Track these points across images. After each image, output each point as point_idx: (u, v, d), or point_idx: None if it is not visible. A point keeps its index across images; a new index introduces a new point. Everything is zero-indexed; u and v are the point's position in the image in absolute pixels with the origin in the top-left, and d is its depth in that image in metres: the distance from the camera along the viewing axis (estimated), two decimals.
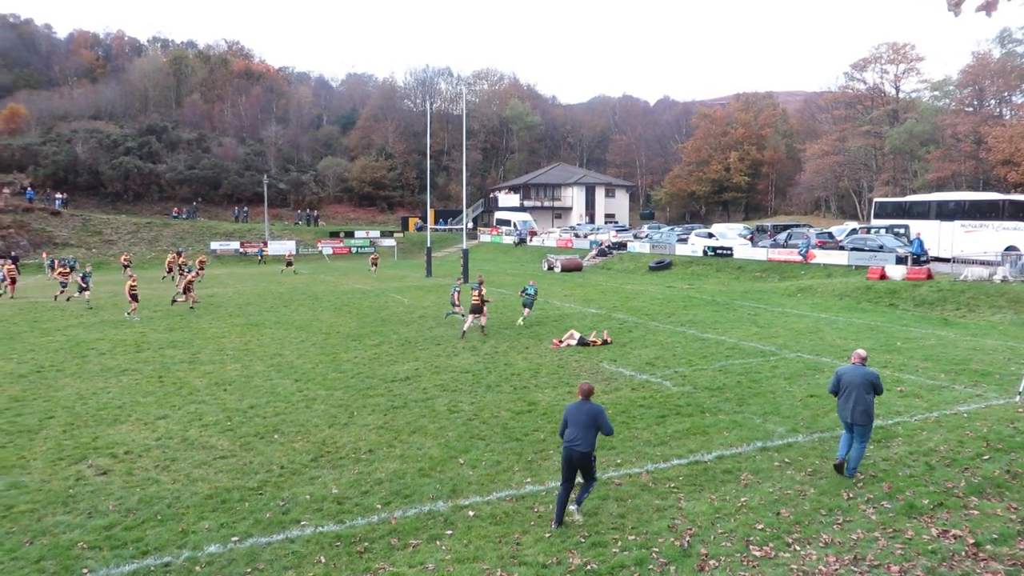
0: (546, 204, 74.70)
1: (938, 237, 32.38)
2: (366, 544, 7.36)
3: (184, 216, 66.13)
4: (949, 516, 7.87)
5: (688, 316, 23.36)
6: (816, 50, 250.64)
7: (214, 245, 57.76)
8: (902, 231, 34.11)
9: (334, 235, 64.99)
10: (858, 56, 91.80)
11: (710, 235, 43.19)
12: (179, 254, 42.79)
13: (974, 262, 27.52)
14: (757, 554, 7.03)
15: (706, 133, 78.30)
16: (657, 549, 7.14)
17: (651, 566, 6.82)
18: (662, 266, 40.41)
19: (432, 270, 42.01)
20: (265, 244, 57.90)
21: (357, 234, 66.16)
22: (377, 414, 12.17)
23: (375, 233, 66.93)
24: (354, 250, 62.88)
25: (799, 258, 35.01)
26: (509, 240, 61.42)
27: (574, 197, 74.25)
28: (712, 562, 6.88)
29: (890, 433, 10.77)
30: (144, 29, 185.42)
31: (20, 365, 16.37)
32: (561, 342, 18.51)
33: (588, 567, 6.82)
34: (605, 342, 18.46)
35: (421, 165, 77.97)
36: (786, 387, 13.81)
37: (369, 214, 79.73)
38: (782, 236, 40.13)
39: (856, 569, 6.74)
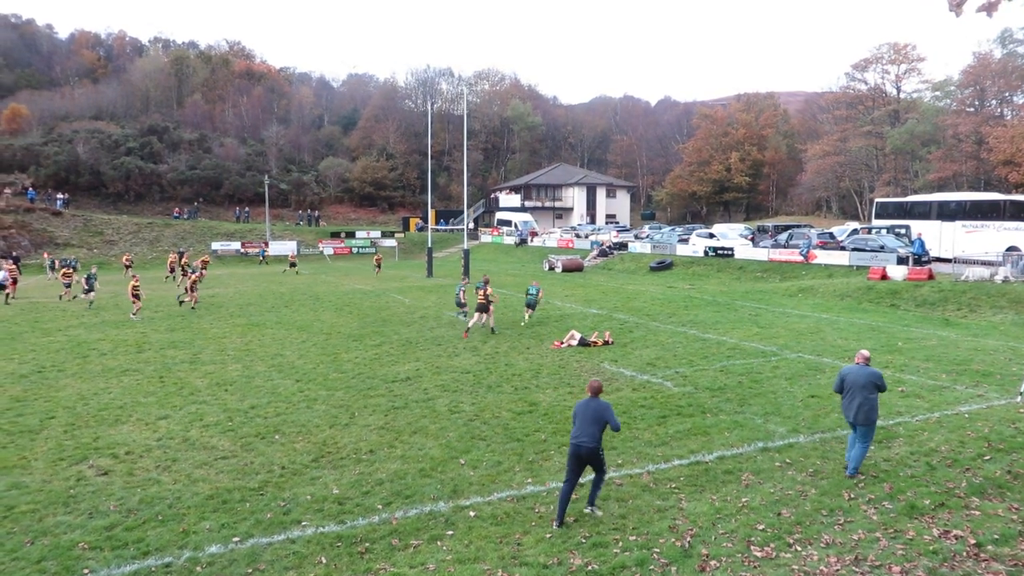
0: (547, 204, 74.69)
1: (939, 237, 32.35)
2: (367, 544, 7.36)
3: (185, 216, 66.18)
4: (950, 516, 7.86)
5: (689, 316, 23.35)
6: (817, 50, 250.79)
7: (215, 245, 57.80)
8: (903, 231, 34.06)
9: (335, 235, 65.02)
10: (859, 56, 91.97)
11: (711, 235, 43.17)
12: (181, 254, 42.81)
13: (975, 262, 27.50)
14: (758, 554, 7.03)
15: (707, 133, 78.29)
16: (658, 550, 7.14)
17: (652, 567, 6.82)
18: (663, 266, 40.40)
19: (433, 270, 42.01)
20: (266, 244, 57.92)
21: (358, 234, 66.17)
22: (378, 414, 12.17)
23: (376, 233, 66.94)
24: (355, 250, 62.91)
25: (800, 258, 34.99)
26: (510, 240, 61.41)
27: (575, 197, 74.24)
28: (713, 563, 6.87)
29: (891, 433, 10.76)
30: (145, 29, 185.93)
31: (21, 365, 16.38)
32: (562, 343, 18.50)
33: (589, 567, 6.81)
34: (606, 343, 18.45)
35: (422, 165, 78.03)
36: (787, 387, 13.80)
37: (370, 214, 79.77)
38: (783, 236, 40.10)
39: (857, 569, 6.73)
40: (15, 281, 30.70)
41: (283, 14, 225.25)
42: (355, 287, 34.93)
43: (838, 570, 6.73)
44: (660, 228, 56.95)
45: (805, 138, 76.28)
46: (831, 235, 38.02)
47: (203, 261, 40.31)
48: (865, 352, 9.38)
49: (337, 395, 13.52)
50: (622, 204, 78.09)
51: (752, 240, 42.66)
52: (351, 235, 65.68)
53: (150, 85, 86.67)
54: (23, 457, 10.07)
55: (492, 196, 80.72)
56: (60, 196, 61.40)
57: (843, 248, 34.33)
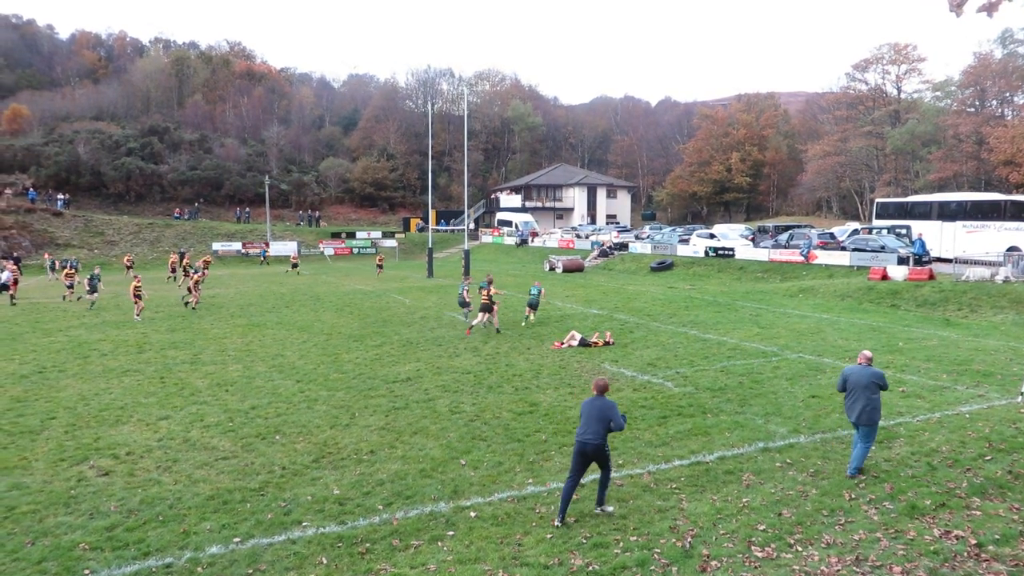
0: (548, 205, 74.71)
1: (940, 238, 32.33)
2: (368, 545, 7.36)
3: (186, 217, 66.22)
4: (951, 517, 7.86)
5: (690, 317, 23.34)
6: (818, 51, 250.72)
7: (216, 246, 57.82)
8: (904, 231, 34.04)
9: (336, 236, 65.05)
10: (860, 57, 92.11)
11: (712, 236, 43.15)
12: (182, 255, 42.84)
13: (976, 262, 27.49)
14: (759, 555, 7.02)
15: (708, 134, 78.31)
16: (659, 550, 7.14)
17: (653, 567, 6.82)
18: (664, 267, 40.40)
19: (434, 271, 42.02)
20: (267, 245, 57.94)
21: (359, 235, 66.18)
22: (379, 415, 12.17)
23: (377, 234, 66.96)
24: (355, 251, 62.92)
25: (801, 259, 34.98)
26: (511, 241, 61.43)
27: (576, 198, 74.25)
28: (714, 563, 6.87)
29: (892, 434, 10.75)
30: (146, 30, 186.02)
31: (22, 366, 16.39)
32: (563, 343, 18.50)
33: (590, 568, 6.81)
34: (607, 343, 18.45)
35: (422, 166, 78.01)
36: (788, 388, 13.80)
37: (371, 215, 79.80)
38: (784, 237, 40.10)
39: (858, 570, 6.73)
40: (16, 282, 30.71)
41: (283, 15, 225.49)
42: (356, 287, 34.94)
43: (839, 570, 6.72)
44: (661, 228, 56.95)
45: (806, 138, 76.27)
46: (832, 235, 38.01)
47: (205, 261, 40.36)
48: (867, 353, 9.41)
49: (338, 395, 13.52)
50: (623, 204, 78.09)
51: (753, 240, 42.66)
52: (351, 235, 65.70)
53: (151, 85, 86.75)
54: (24, 458, 10.07)
55: (493, 196, 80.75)
56: (61, 196, 61.46)
57: (844, 248, 34.32)
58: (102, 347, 18.74)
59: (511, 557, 7.06)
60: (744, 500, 8.37)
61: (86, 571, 6.88)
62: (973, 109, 59.20)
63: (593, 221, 71.75)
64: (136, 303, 24.03)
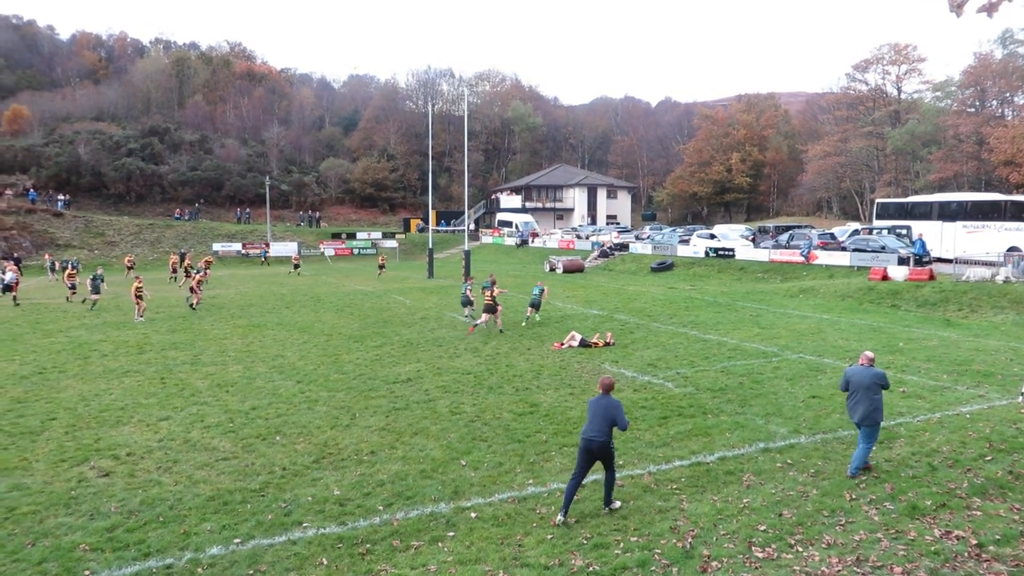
0: (548, 205, 74.72)
1: (940, 238, 32.33)
2: (368, 546, 7.36)
3: (186, 217, 66.24)
4: (952, 517, 7.85)
5: (690, 317, 23.34)
6: (818, 51, 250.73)
7: (216, 246, 57.82)
8: (904, 232, 34.05)
9: (336, 236, 65.03)
10: (860, 57, 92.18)
11: (712, 236, 43.15)
12: (182, 256, 42.89)
13: (976, 263, 27.49)
14: (759, 555, 7.02)
15: (708, 134, 78.33)
16: (659, 550, 7.14)
17: (653, 567, 6.81)
18: (664, 267, 40.39)
19: (434, 271, 42.02)
20: (267, 245, 57.95)
21: (359, 235, 66.18)
22: (379, 416, 12.17)
23: (377, 234, 66.95)
24: (356, 251, 62.92)
25: (801, 259, 34.98)
26: (511, 241, 61.44)
27: (576, 198, 74.26)
28: (714, 563, 6.87)
29: (893, 434, 10.75)
30: (146, 30, 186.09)
31: (22, 367, 16.39)
32: (563, 344, 18.50)
33: (590, 568, 6.81)
34: (608, 343, 18.44)
35: (423, 166, 78.10)
36: (788, 388, 13.79)
37: (371, 215, 79.82)
38: (784, 237, 40.10)
39: (859, 570, 6.72)
40: (16, 282, 30.71)
41: (284, 15, 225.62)
42: (356, 288, 34.94)
43: (839, 571, 6.72)
44: (661, 229, 56.96)
45: (806, 139, 76.30)
46: (832, 236, 38.00)
47: (206, 261, 40.39)
48: (869, 354, 9.43)
49: (338, 396, 13.52)
50: (623, 205, 78.09)
51: (753, 241, 42.65)
52: (352, 236, 65.68)
53: (151, 86, 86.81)
54: (24, 458, 10.07)
55: (493, 197, 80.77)
56: (61, 197, 61.50)
57: (844, 249, 34.31)
58: (103, 348, 18.74)
59: (512, 558, 7.06)
60: (745, 500, 8.36)
61: (86, 572, 6.88)
62: (973, 109, 59.21)
63: (593, 222, 71.76)
64: (138, 304, 24.01)
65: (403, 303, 28.38)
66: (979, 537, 7.32)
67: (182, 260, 41.47)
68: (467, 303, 22.80)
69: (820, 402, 12.68)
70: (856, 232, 37.45)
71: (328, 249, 61.77)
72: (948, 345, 18.01)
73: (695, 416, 11.89)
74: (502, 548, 7.27)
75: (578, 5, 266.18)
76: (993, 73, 56.09)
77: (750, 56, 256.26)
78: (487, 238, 66.43)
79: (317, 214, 73.21)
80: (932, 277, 27.15)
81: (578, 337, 18.51)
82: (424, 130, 72.34)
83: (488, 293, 20.61)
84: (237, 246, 58.86)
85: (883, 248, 31.78)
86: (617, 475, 9.11)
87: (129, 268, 42.07)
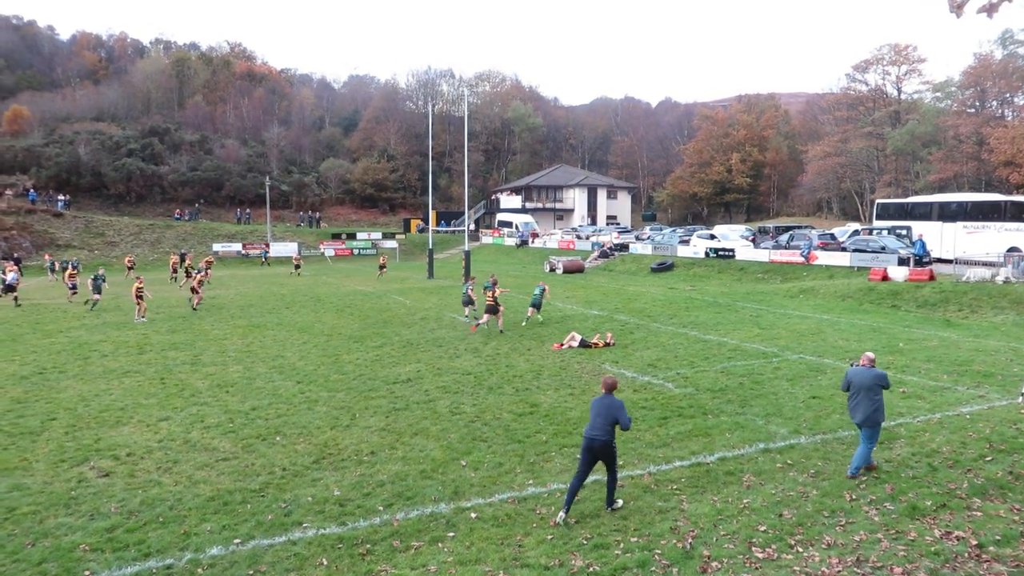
0: (548, 206, 74.72)
1: (940, 238, 32.34)
2: (368, 546, 7.36)
3: (186, 218, 66.23)
4: (952, 517, 7.85)
5: (690, 318, 23.34)
6: (818, 52, 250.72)
7: (216, 247, 57.80)
8: (904, 232, 34.06)
9: (336, 237, 65.02)
10: (860, 58, 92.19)
11: (712, 236, 43.16)
12: (182, 256, 42.90)
13: (976, 263, 27.49)
14: (760, 556, 7.02)
15: (708, 134, 78.36)
16: (659, 551, 7.14)
17: (653, 568, 6.81)
18: (664, 268, 40.40)
19: (434, 272, 42.03)
20: (267, 246, 57.96)
21: (359, 236, 66.18)
22: (379, 416, 12.17)
23: (377, 235, 66.95)
24: (356, 252, 62.91)
25: (801, 259, 34.98)
26: (511, 242, 61.45)
27: (576, 199, 74.26)
28: (714, 564, 6.87)
29: (893, 435, 10.75)
30: (147, 31, 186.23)
31: (22, 367, 16.39)
32: (563, 344, 18.50)
33: (591, 569, 6.81)
34: (608, 344, 18.44)
35: (423, 167, 78.12)
36: (788, 388, 13.80)
37: (371, 216, 79.83)
38: (784, 238, 40.11)
39: (859, 571, 6.72)
40: (17, 282, 30.70)
41: (284, 16, 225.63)
42: (356, 288, 34.95)
43: (839, 571, 6.72)
44: (661, 229, 56.98)
45: (806, 139, 76.33)
46: (832, 236, 38.00)
47: (207, 262, 40.40)
48: (870, 355, 9.45)
49: (338, 396, 13.52)
50: (623, 205, 78.10)
51: (753, 241, 42.66)
52: (352, 236, 65.68)
53: (151, 86, 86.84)
54: (24, 459, 10.07)
55: (493, 197, 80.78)
56: (61, 197, 61.49)
57: (844, 249, 34.32)
58: (103, 348, 18.74)
59: (512, 558, 7.06)
60: (745, 501, 8.36)
61: (86, 572, 6.88)
62: (973, 110, 59.22)
63: (593, 222, 71.76)
64: (138, 304, 24.00)
65: (403, 303, 28.38)
66: (979, 538, 7.32)
67: (182, 260, 41.46)
68: (468, 302, 22.82)
69: (820, 402, 12.68)
70: (856, 232, 37.47)
71: (328, 249, 61.77)
72: (948, 345, 18.01)
73: (695, 416, 11.89)
74: (502, 548, 7.27)
75: (578, 5, 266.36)
76: (993, 74, 56.11)
77: (750, 57, 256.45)
78: (487, 238, 66.43)
79: (317, 214, 73.22)
80: (932, 278, 27.16)
81: (578, 338, 18.51)
82: (424, 130, 72.35)
83: (490, 294, 20.62)
84: (237, 246, 58.84)
85: (883, 249, 31.79)
86: (618, 475, 9.13)
87: (129, 268, 42.08)
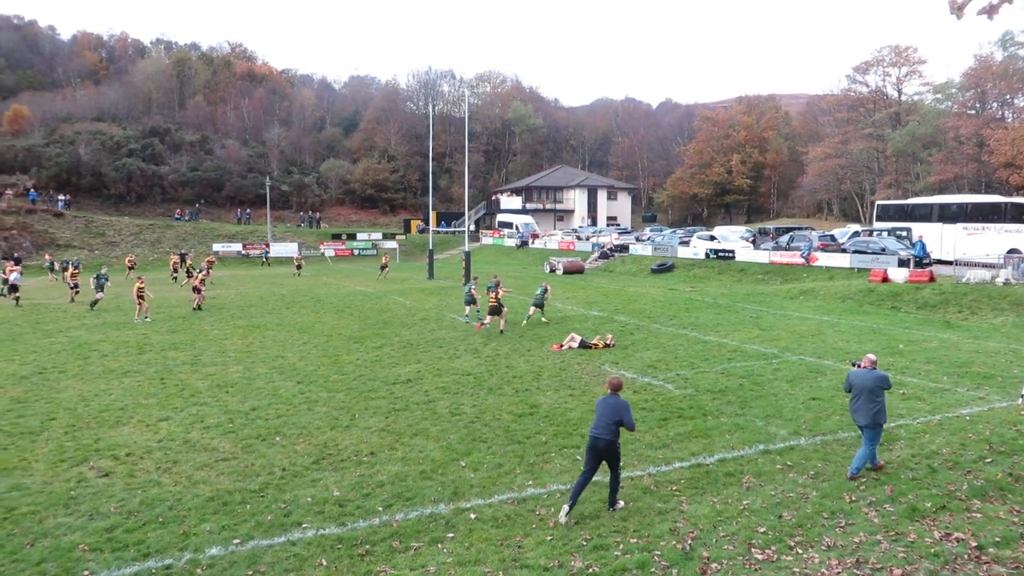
0: (548, 206, 74.73)
1: (940, 240, 32.34)
2: (368, 547, 7.36)
3: (187, 218, 66.25)
4: (952, 519, 7.85)
5: (690, 319, 23.34)
6: (819, 53, 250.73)
7: (216, 247, 57.80)
8: (904, 234, 34.06)
9: (336, 237, 65.01)
10: (860, 59, 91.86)
11: (712, 238, 43.15)
12: (183, 256, 42.90)
13: (976, 264, 27.49)
14: (759, 557, 7.02)
15: (708, 136, 78.37)
16: (659, 552, 7.14)
17: (653, 569, 6.81)
18: (664, 269, 40.39)
19: (434, 272, 42.03)
20: (267, 246, 57.97)
21: (359, 236, 66.18)
22: (379, 416, 12.17)
23: (377, 235, 66.95)
24: (356, 252, 62.92)
25: (801, 261, 34.97)
26: (511, 242, 61.45)
27: (576, 199, 74.26)
28: (714, 565, 6.86)
29: (892, 436, 10.74)
30: (147, 31, 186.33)
31: (22, 367, 16.39)
32: (563, 345, 18.50)
33: (590, 570, 6.81)
34: (608, 345, 18.44)
35: (423, 167, 78.12)
36: (788, 390, 13.79)
37: (371, 216, 79.84)
38: (784, 239, 40.08)
39: (858, 572, 6.72)
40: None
41: (285, 16, 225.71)
42: (356, 289, 34.95)
43: (839, 573, 6.72)
44: (661, 230, 56.93)
45: (806, 140, 76.32)
46: (832, 237, 37.99)
47: (208, 262, 40.41)
48: (872, 356, 9.46)
49: (338, 397, 13.52)
50: (623, 206, 78.10)
51: (753, 242, 42.62)
52: (352, 237, 65.67)
53: (152, 87, 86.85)
54: (24, 459, 10.08)
55: (493, 198, 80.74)
56: (61, 197, 61.49)
57: (844, 250, 34.30)
58: (102, 348, 18.74)
59: (511, 559, 7.06)
60: (744, 502, 8.36)
61: (86, 572, 6.88)
62: (974, 111, 59.23)
63: (594, 223, 71.75)
64: (139, 304, 24.00)
65: (403, 304, 28.38)
66: (979, 539, 7.31)
67: (183, 261, 41.46)
68: (471, 301, 22.83)
69: (820, 404, 12.67)
70: (856, 234, 37.47)
71: (328, 250, 61.77)
72: (948, 347, 18.00)
73: (695, 418, 11.88)
74: (502, 549, 7.26)
75: (578, 6, 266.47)
76: (993, 75, 56.10)
77: (750, 58, 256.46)
78: (487, 239, 66.43)
79: (317, 215, 73.23)
80: (932, 279, 27.15)
81: (578, 338, 18.51)
82: (425, 131, 72.38)
83: (493, 295, 20.63)
84: (237, 247, 58.84)
85: (883, 250, 31.77)
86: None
87: (130, 268, 42.09)
